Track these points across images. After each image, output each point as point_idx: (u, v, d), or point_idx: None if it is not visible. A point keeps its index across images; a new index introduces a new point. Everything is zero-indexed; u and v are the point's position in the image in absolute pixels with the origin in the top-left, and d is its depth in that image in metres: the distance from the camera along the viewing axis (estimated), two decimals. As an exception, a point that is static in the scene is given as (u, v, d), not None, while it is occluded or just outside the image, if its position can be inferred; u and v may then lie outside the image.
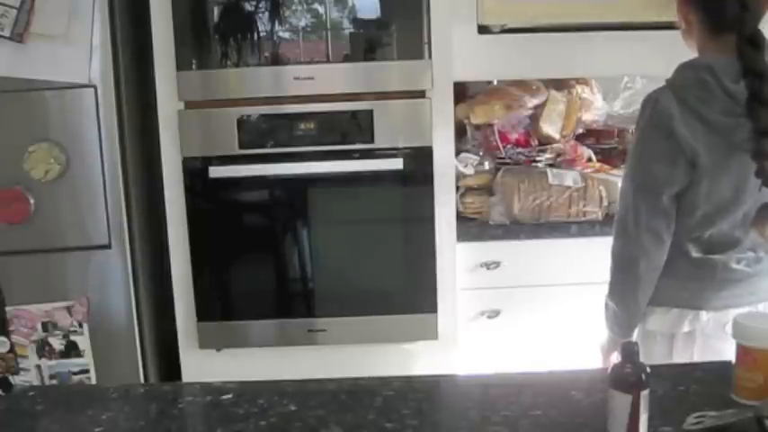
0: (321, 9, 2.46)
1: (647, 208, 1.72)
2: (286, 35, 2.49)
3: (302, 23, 2.48)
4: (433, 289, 2.53)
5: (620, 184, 1.83)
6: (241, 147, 2.46)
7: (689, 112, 1.64)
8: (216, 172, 2.47)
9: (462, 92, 2.87)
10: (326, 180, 2.51)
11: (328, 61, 2.49)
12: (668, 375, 1.41)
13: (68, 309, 2.44)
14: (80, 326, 2.45)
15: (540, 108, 2.85)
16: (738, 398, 1.31)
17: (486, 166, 2.82)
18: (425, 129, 2.47)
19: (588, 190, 2.69)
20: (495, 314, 2.62)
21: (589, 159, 2.95)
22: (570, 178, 2.71)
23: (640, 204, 1.73)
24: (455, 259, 2.55)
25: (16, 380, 2.42)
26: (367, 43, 2.49)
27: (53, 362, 2.46)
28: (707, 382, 1.40)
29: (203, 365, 2.56)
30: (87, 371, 2.47)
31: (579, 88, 2.91)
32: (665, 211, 1.72)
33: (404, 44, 2.48)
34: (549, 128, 2.84)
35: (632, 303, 1.80)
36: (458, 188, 2.69)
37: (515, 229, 2.66)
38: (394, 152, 2.47)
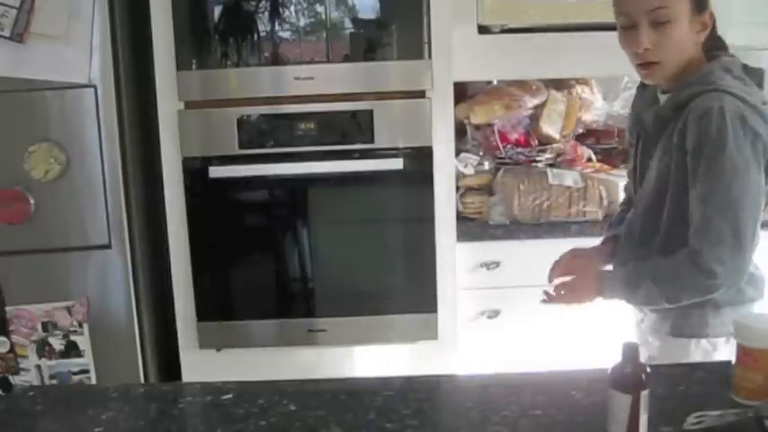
0: (321, 9, 2.46)
1: (753, 229, 1.56)
2: (286, 35, 2.49)
3: (302, 23, 2.48)
4: (433, 289, 2.53)
5: (700, 210, 1.56)
6: (241, 147, 2.46)
7: (752, 110, 1.55)
8: (216, 172, 2.47)
9: (462, 92, 2.88)
10: (326, 180, 2.51)
11: (328, 61, 2.49)
12: (668, 375, 1.41)
13: (68, 309, 2.44)
14: (80, 326, 2.45)
15: (540, 108, 2.85)
16: (738, 398, 1.31)
17: (486, 166, 2.82)
18: (425, 129, 2.47)
19: (588, 190, 2.69)
20: (495, 314, 2.62)
21: (589, 159, 2.95)
22: (570, 178, 2.71)
23: (748, 225, 1.54)
24: (455, 259, 2.55)
25: (16, 380, 2.42)
26: (367, 43, 2.49)
27: (53, 362, 2.45)
28: (707, 382, 1.40)
29: (203, 365, 2.56)
30: (87, 371, 2.47)
31: (579, 88, 2.91)
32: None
33: (404, 44, 2.48)
34: (549, 128, 2.84)
35: (659, 304, 1.67)
36: (458, 188, 2.69)
37: (515, 229, 2.66)
38: (394, 152, 2.47)
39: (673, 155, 1.61)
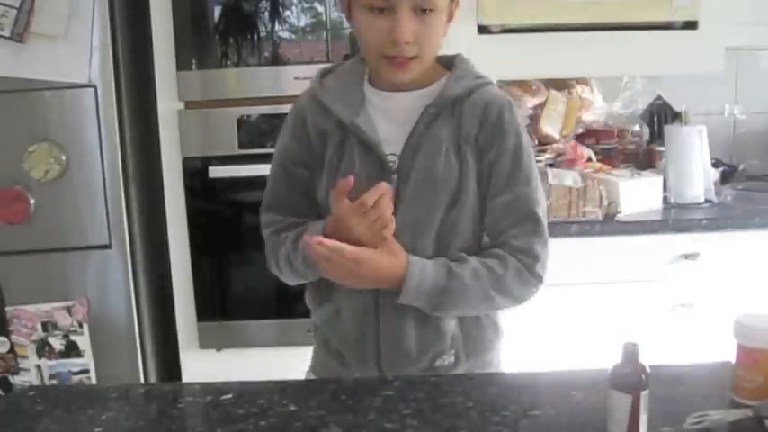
0: (321, 9, 2.46)
1: None
2: (286, 35, 2.49)
3: (302, 23, 2.49)
4: (433, 289, 2.52)
5: (542, 207, 1.49)
6: (241, 147, 2.46)
7: None
8: (216, 172, 2.47)
9: (462, 92, 2.87)
10: (326, 180, 2.51)
11: (328, 61, 2.49)
12: (668, 375, 1.41)
13: (68, 309, 2.44)
14: (80, 326, 2.45)
15: (539, 108, 2.85)
16: (738, 398, 1.30)
17: (486, 166, 2.81)
18: (425, 129, 2.46)
19: (588, 190, 2.69)
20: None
21: (589, 159, 2.95)
22: (570, 178, 2.71)
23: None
24: (455, 259, 2.55)
25: (16, 380, 2.43)
26: (367, 43, 2.49)
27: (53, 362, 2.46)
28: (707, 382, 1.40)
29: (203, 365, 2.56)
30: (87, 371, 2.47)
31: (579, 88, 2.91)
32: None
33: (404, 44, 2.47)
34: (549, 128, 2.84)
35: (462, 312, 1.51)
36: (458, 188, 2.68)
37: (515, 229, 2.65)
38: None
39: (458, 154, 1.44)
